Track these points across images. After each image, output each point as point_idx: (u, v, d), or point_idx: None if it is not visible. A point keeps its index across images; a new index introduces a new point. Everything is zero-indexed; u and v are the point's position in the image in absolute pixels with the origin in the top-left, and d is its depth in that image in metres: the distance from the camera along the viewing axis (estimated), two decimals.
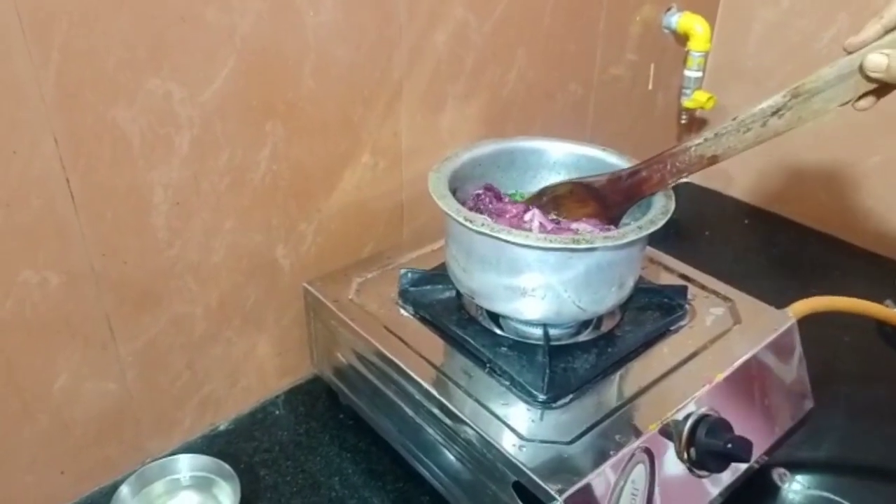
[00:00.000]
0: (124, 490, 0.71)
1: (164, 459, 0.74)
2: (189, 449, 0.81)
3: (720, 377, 0.69)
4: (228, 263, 0.77)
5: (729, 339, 0.75)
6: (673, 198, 0.70)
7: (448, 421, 0.67)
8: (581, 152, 0.80)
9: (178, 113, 0.67)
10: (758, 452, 0.75)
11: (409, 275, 0.80)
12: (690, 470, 0.67)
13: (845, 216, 1.22)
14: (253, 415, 0.86)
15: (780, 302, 0.80)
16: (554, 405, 0.66)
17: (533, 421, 0.64)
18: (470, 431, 0.64)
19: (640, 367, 0.71)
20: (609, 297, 0.69)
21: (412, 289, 0.80)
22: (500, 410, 0.65)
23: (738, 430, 0.67)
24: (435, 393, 0.67)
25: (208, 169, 0.71)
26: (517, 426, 0.64)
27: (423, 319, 0.77)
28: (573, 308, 0.68)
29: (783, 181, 1.28)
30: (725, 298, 0.80)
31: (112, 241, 0.67)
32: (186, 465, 0.74)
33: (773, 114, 0.61)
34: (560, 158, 0.81)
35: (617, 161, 0.77)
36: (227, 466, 0.73)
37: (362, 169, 0.84)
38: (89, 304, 0.68)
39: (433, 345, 0.74)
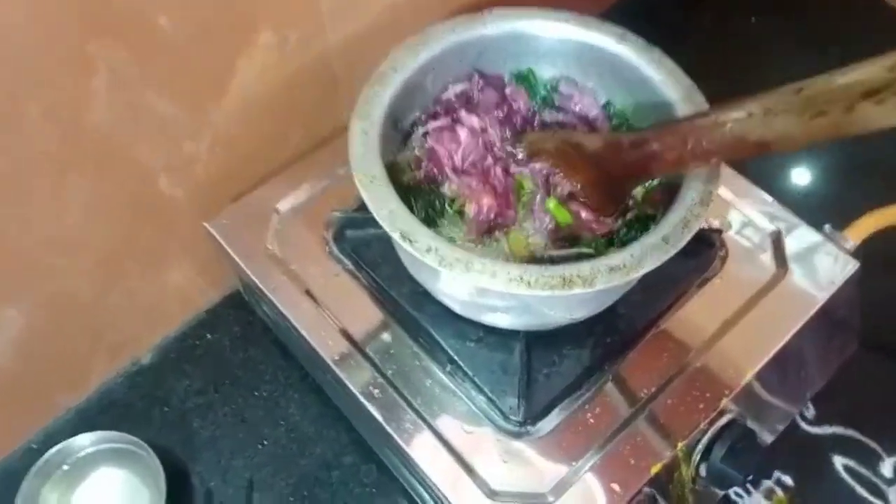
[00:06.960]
0: (25, 487, 0.60)
1: (63, 444, 0.61)
2: (109, 392, 0.69)
3: (750, 376, 0.54)
4: (93, 220, 0.56)
5: (769, 303, 0.56)
6: (719, 176, 0.47)
7: (389, 448, 0.53)
8: (585, 39, 0.52)
9: None
10: (788, 416, 0.63)
11: (343, 217, 0.59)
12: (692, 481, 0.55)
13: None
14: (181, 340, 0.72)
15: None
16: (532, 430, 0.52)
17: (505, 461, 0.51)
18: (418, 476, 0.51)
19: (649, 359, 0.54)
20: (612, 298, 0.50)
21: (349, 232, 0.59)
22: (459, 442, 0.51)
23: (767, 406, 0.55)
24: (371, 410, 0.52)
25: (20, 134, 0.46)
26: (482, 471, 0.50)
27: (362, 281, 0.58)
28: (563, 318, 0.50)
29: None
30: (770, 231, 0.60)
31: None
32: (90, 441, 0.62)
33: (869, 95, 0.37)
34: (554, 47, 0.53)
35: (637, 62, 0.51)
36: (144, 445, 0.60)
37: (262, 52, 0.57)
38: None
39: (373, 325, 0.56)
